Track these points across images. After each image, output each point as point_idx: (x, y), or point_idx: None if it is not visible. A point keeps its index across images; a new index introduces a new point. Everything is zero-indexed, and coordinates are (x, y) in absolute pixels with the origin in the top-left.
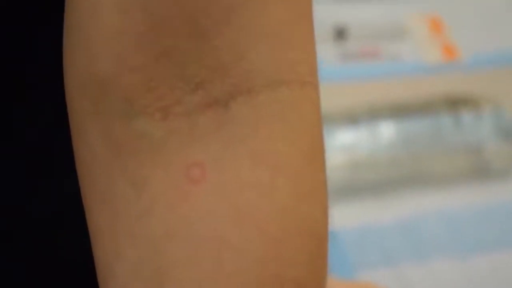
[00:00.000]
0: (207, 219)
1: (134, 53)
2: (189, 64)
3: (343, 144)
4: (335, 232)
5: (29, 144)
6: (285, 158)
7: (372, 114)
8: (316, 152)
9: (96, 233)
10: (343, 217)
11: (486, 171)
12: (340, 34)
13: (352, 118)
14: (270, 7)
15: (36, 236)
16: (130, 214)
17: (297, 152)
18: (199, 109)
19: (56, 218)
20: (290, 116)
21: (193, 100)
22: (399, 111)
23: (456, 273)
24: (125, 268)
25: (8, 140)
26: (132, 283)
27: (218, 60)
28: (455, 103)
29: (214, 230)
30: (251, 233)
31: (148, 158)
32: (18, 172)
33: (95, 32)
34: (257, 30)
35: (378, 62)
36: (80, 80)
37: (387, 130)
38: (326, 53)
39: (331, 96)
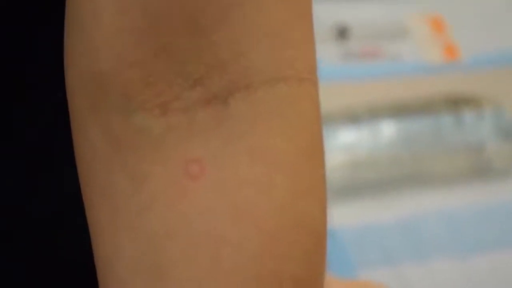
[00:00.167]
0: (205, 216)
1: (133, 49)
2: (187, 60)
3: (343, 144)
4: (335, 231)
5: (29, 144)
6: (283, 155)
7: (372, 113)
8: (314, 149)
9: (96, 228)
10: (344, 216)
11: (487, 171)
12: (342, 33)
13: (352, 118)
14: (269, 5)
15: (36, 236)
16: (129, 209)
17: (295, 148)
18: (198, 105)
19: (56, 218)
20: (288, 112)
21: (192, 96)
22: (399, 110)
23: (456, 273)
24: (124, 263)
25: (8, 140)
26: (131, 278)
27: (217, 57)
28: (455, 103)
29: (213, 227)
30: (249, 230)
31: (148, 153)
32: (18, 172)
33: (96, 31)
34: (256, 27)
35: (379, 62)
36: (81, 78)
37: (387, 130)
38: (327, 53)
39: (332, 96)
